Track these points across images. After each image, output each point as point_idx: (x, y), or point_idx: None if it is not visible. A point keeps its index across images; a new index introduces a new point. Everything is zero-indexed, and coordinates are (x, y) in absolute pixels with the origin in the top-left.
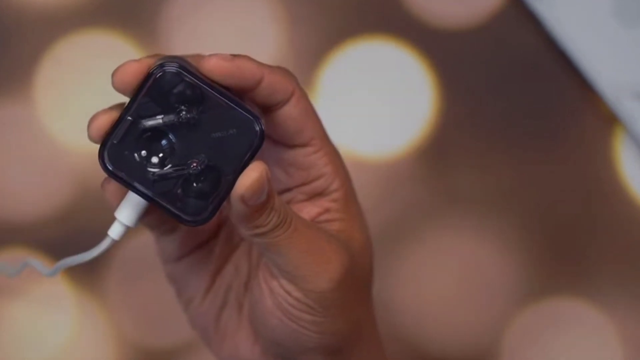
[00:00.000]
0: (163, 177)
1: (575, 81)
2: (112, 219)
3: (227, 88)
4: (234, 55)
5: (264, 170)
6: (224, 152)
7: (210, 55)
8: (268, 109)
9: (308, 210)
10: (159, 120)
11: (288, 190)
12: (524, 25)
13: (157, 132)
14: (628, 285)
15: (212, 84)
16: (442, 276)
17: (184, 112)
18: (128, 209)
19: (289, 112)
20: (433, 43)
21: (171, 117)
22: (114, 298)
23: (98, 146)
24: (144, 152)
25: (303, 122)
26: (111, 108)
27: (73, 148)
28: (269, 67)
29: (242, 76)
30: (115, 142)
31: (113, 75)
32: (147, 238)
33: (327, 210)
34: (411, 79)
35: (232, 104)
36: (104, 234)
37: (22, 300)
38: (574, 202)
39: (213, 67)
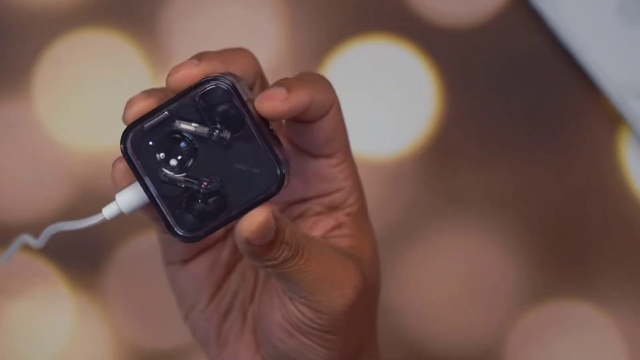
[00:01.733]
0: (173, 182)
1: (580, 81)
2: (112, 220)
3: (267, 123)
4: (288, 86)
5: (270, 213)
6: (239, 185)
7: (266, 95)
8: (309, 121)
9: (323, 225)
10: (192, 127)
11: (304, 200)
12: (527, 24)
13: (185, 139)
14: (632, 286)
15: (256, 116)
16: (445, 277)
17: (217, 131)
18: (130, 196)
19: (326, 124)
20: (436, 42)
21: (204, 130)
22: (113, 299)
23: (98, 146)
24: (165, 151)
25: (336, 134)
26: (149, 93)
27: (72, 148)
28: (313, 83)
29: (295, 112)
30: (145, 128)
31: (172, 73)
32: (146, 240)
33: (340, 225)
34: (413, 79)
35: (264, 146)
36: (103, 234)
37: (21, 301)
38: (578, 202)
39: (268, 112)
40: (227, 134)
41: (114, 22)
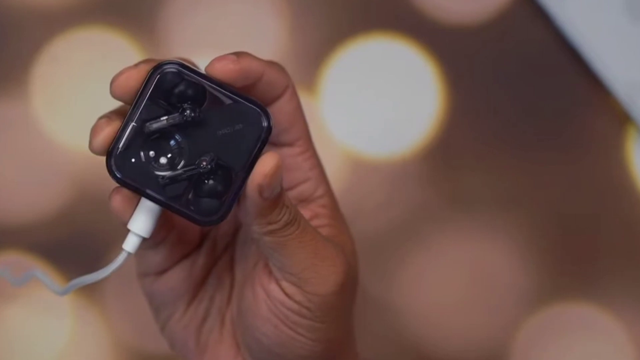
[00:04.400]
0: (173, 179)
1: (587, 79)
2: (111, 220)
3: (228, 83)
4: (237, 54)
5: (279, 159)
6: (233, 148)
7: (215, 59)
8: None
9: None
10: (163, 121)
11: None
12: (533, 21)
13: (164, 134)
14: (639, 288)
15: (214, 80)
16: (449, 280)
17: (187, 111)
18: (141, 218)
19: (282, 107)
20: (440, 40)
21: (175, 117)
22: (111, 303)
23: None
24: (152, 156)
25: (294, 119)
26: (109, 117)
27: (70, 147)
28: (266, 61)
29: (247, 76)
30: (122, 150)
31: (111, 84)
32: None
33: (317, 216)
34: (417, 77)
35: (238, 98)
36: (102, 235)
37: (19, 306)
38: (584, 203)
39: (219, 72)
40: (197, 110)
41: (112, 20)
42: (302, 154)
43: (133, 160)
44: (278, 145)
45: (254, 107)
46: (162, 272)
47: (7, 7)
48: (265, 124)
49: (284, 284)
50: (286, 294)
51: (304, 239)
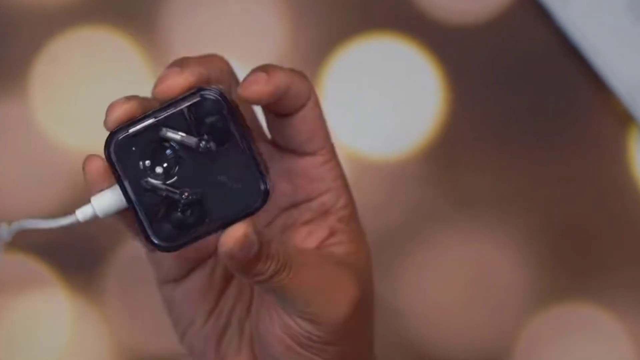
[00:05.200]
0: (154, 189)
1: (589, 79)
2: (109, 225)
3: (253, 138)
4: (266, 71)
5: (250, 227)
6: (221, 199)
7: (248, 81)
8: (285, 114)
9: (317, 235)
10: (178, 136)
11: (294, 206)
12: (535, 21)
13: (171, 147)
14: None
15: (245, 128)
16: (450, 280)
17: (204, 142)
18: (107, 199)
19: (305, 116)
20: (442, 40)
21: (191, 140)
22: (111, 303)
23: (95, 145)
24: (149, 158)
25: (316, 128)
26: (129, 99)
27: (70, 147)
28: (290, 71)
29: (278, 94)
30: (130, 135)
31: (156, 86)
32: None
33: (334, 233)
34: (419, 77)
35: (251, 160)
36: (102, 235)
37: (19, 304)
38: (586, 203)
39: (254, 96)
40: (213, 146)
41: (112, 19)
42: (325, 163)
43: (132, 149)
44: (301, 154)
45: (262, 181)
46: (180, 279)
47: (7, 6)
48: (257, 204)
49: (292, 315)
50: (296, 323)
51: (300, 280)
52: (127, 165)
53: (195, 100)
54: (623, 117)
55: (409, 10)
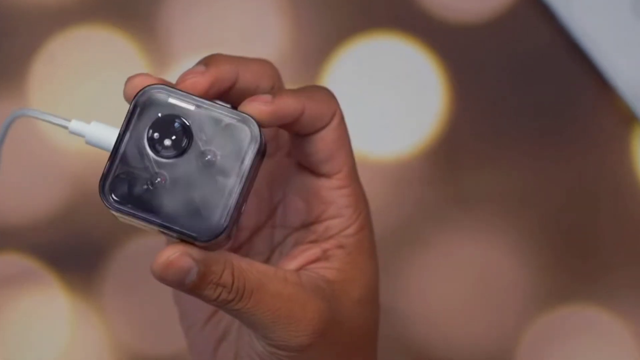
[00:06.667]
0: (142, 155)
1: (592, 78)
2: (110, 223)
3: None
4: (273, 93)
5: (177, 254)
6: (182, 207)
7: (250, 99)
8: (307, 133)
9: (308, 255)
10: (199, 135)
11: (304, 226)
12: (538, 20)
13: (185, 134)
14: None
15: (254, 171)
16: (453, 281)
17: (210, 156)
18: (103, 132)
19: (325, 135)
20: (444, 39)
21: (204, 147)
22: (110, 305)
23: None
24: (159, 131)
25: (336, 150)
26: (148, 74)
27: (69, 147)
28: (309, 93)
29: (283, 117)
30: (162, 90)
31: (179, 81)
32: (143, 243)
33: (327, 258)
34: (420, 77)
35: (233, 204)
36: (101, 235)
37: (17, 305)
38: (590, 203)
39: (251, 112)
40: (216, 168)
41: (111, 18)
42: (339, 189)
43: (154, 111)
44: (317, 175)
45: (223, 219)
46: None
47: (5, 5)
48: (204, 235)
49: (254, 334)
50: (259, 344)
51: (259, 309)
52: (142, 117)
53: (235, 121)
54: (626, 117)
55: (411, 8)
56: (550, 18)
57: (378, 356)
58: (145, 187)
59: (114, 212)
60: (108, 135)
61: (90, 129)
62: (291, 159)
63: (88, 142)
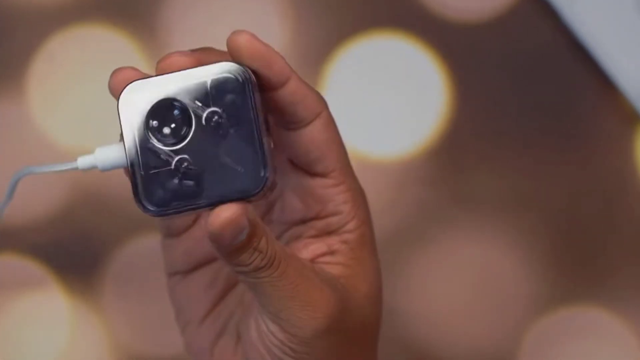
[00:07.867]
0: (156, 152)
1: (595, 78)
2: (110, 223)
3: (269, 128)
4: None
5: (240, 211)
6: (219, 178)
7: (241, 31)
8: (291, 124)
9: (313, 249)
10: (195, 104)
11: (303, 222)
12: (541, 19)
13: (183, 113)
14: None
15: (259, 116)
16: (454, 282)
17: (217, 116)
18: (111, 153)
19: (313, 135)
20: (446, 38)
21: (205, 111)
22: (110, 306)
23: (94, 145)
24: (158, 120)
25: (326, 150)
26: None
27: (68, 146)
28: (302, 80)
29: (270, 64)
30: (144, 82)
31: (160, 61)
32: (143, 244)
33: (333, 252)
34: (423, 76)
35: (259, 149)
36: (101, 236)
37: (17, 308)
38: (593, 204)
39: (243, 43)
40: (226, 124)
41: (110, 18)
42: (335, 186)
43: (144, 104)
44: (312, 174)
45: (264, 169)
46: (185, 272)
47: (4, 5)
48: (255, 189)
49: (265, 319)
50: (269, 330)
51: (282, 282)
52: (134, 119)
53: (216, 75)
54: (629, 116)
55: (412, 8)
56: (553, 17)
57: (378, 356)
58: (176, 180)
59: (163, 218)
60: (115, 154)
61: (97, 157)
62: (283, 159)
63: (103, 170)
